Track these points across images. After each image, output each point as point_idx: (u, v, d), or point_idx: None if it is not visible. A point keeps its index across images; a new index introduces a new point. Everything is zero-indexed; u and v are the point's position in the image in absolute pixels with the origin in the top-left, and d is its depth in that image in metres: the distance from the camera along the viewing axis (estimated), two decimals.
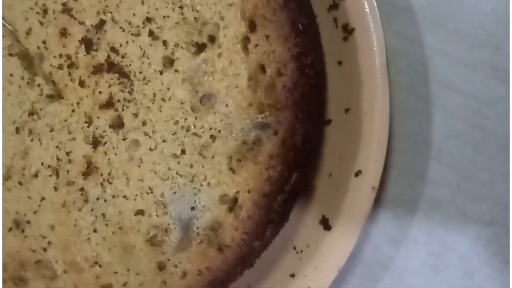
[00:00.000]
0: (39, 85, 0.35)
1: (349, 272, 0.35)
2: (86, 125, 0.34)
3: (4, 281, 0.35)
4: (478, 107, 0.33)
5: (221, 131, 0.31)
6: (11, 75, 0.36)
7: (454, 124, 0.33)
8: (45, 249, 0.34)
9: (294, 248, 0.35)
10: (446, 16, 0.34)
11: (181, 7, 0.33)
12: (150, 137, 0.33)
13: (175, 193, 0.32)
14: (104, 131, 0.34)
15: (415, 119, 0.34)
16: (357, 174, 0.32)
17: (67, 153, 0.34)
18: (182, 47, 0.33)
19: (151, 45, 0.33)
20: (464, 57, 0.33)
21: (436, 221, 0.33)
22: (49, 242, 0.34)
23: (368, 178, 0.32)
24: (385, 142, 0.31)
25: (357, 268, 0.34)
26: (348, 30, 0.33)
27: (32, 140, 0.35)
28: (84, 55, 0.34)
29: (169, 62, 0.33)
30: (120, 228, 0.33)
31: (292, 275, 0.34)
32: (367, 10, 0.32)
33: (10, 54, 0.36)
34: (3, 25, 0.37)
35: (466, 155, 0.33)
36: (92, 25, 0.34)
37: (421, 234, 0.33)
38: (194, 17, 0.33)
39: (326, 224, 0.33)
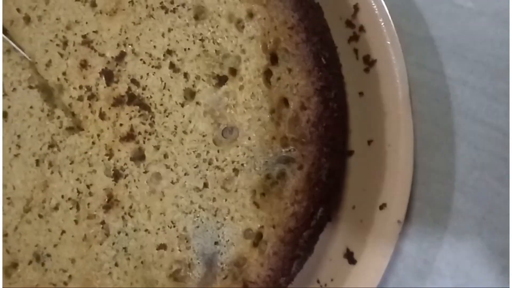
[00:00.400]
0: (58, 117, 0.36)
1: None
2: (107, 157, 0.34)
3: None
4: (501, 138, 0.33)
5: (244, 165, 0.31)
6: (31, 107, 0.36)
7: (478, 155, 0.33)
8: (65, 283, 0.34)
9: (318, 281, 0.34)
10: (466, 47, 0.34)
11: (202, 40, 0.33)
12: (171, 170, 0.33)
13: (198, 227, 0.32)
14: (125, 164, 0.34)
15: (439, 150, 0.34)
16: (382, 207, 0.32)
17: (88, 186, 0.34)
18: (203, 80, 0.33)
19: (172, 77, 0.33)
20: (486, 88, 0.33)
21: (461, 254, 0.33)
22: (69, 276, 0.34)
23: (394, 212, 0.32)
24: (410, 175, 0.31)
25: None
26: (369, 62, 0.33)
27: (52, 172, 0.35)
28: (105, 87, 0.35)
29: (190, 94, 0.33)
30: (142, 263, 0.33)
31: None
32: (388, 42, 0.32)
33: (30, 87, 0.36)
34: (23, 57, 0.37)
35: (491, 186, 0.33)
36: (112, 57, 0.35)
37: (446, 267, 0.33)
38: (215, 50, 0.33)
39: (351, 258, 0.33)
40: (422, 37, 0.35)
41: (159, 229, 0.33)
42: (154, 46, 0.34)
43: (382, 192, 0.32)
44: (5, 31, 0.38)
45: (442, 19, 0.35)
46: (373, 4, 0.33)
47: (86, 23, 0.35)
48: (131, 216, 0.33)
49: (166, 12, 0.34)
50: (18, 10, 0.37)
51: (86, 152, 0.35)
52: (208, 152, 0.32)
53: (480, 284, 0.32)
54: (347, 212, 0.34)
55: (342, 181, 0.34)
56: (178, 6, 0.33)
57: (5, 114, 0.37)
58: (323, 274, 0.34)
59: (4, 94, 0.37)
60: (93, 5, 0.35)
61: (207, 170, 0.32)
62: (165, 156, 0.33)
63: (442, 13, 0.35)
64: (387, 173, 0.32)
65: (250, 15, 0.32)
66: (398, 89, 0.32)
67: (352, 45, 0.34)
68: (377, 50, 0.33)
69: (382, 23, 0.33)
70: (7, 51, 0.37)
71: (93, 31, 0.35)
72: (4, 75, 0.37)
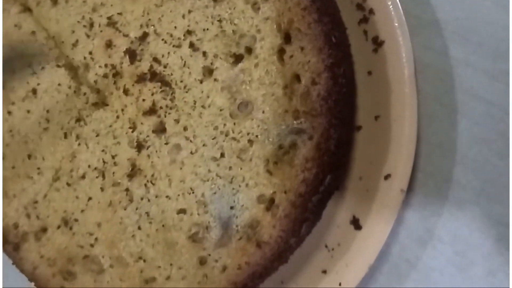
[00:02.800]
0: (85, 93, 0.38)
1: (377, 271, 0.36)
2: (130, 130, 0.36)
3: (53, 276, 0.38)
4: (501, 115, 0.35)
5: (258, 136, 0.34)
6: (59, 84, 0.39)
7: (478, 131, 0.35)
8: (92, 245, 0.37)
9: (326, 246, 0.36)
10: (470, 30, 0.35)
11: (220, 21, 0.35)
12: (191, 141, 0.35)
13: (215, 193, 0.34)
14: (148, 136, 0.36)
15: (441, 126, 0.36)
16: (387, 177, 0.34)
17: (113, 156, 0.37)
18: (221, 58, 0.35)
19: (191, 56, 0.36)
20: (488, 68, 0.35)
21: (461, 222, 0.35)
22: (96, 239, 0.37)
23: (397, 181, 0.34)
24: (414, 148, 0.33)
25: (385, 267, 0.36)
26: (378, 43, 0.35)
27: (79, 144, 0.38)
28: (128, 65, 0.37)
29: (208, 72, 0.35)
30: (163, 226, 0.35)
31: (324, 272, 0.36)
32: (396, 24, 0.34)
33: (58, 66, 0.39)
34: (50, 38, 0.40)
35: (489, 160, 0.35)
36: (136, 37, 0.37)
37: (446, 234, 0.35)
38: (232, 30, 0.35)
39: (356, 224, 0.35)
40: (428, 20, 0.36)
41: (179, 195, 0.35)
42: (175, 27, 0.36)
43: (387, 163, 0.34)
44: (29, 11, 0.40)
45: (447, 3, 0.37)
46: None
47: (111, 5, 0.37)
48: (153, 184, 0.36)
49: None
50: None
51: (111, 126, 0.37)
52: (225, 124, 0.34)
53: (478, 249, 0.34)
54: (354, 183, 0.36)
55: (350, 153, 0.36)
56: None
57: (34, 91, 0.39)
58: (330, 239, 0.37)
59: (34, 73, 0.40)
60: None
61: (223, 141, 0.34)
62: (185, 128, 0.35)
63: None
64: (392, 146, 0.34)
65: None
66: (405, 68, 0.34)
67: (362, 27, 0.36)
68: (386, 32, 0.35)
69: (391, 6, 0.35)
70: (33, 32, 0.39)
71: (118, 13, 0.37)
72: (33, 55, 0.40)
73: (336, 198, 0.36)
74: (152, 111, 0.36)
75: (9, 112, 0.39)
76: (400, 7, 0.35)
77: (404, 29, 0.34)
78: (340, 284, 0.35)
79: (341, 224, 0.36)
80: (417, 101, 0.34)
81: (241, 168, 0.34)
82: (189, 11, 0.36)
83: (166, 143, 0.36)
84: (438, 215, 0.35)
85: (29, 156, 0.39)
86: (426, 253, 0.35)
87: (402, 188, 0.34)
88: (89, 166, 0.37)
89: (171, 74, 0.36)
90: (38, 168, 0.39)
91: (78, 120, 0.38)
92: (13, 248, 0.39)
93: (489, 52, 0.35)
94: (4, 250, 0.40)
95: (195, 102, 0.35)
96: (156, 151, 0.36)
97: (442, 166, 0.35)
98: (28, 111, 0.39)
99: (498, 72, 0.35)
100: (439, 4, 0.37)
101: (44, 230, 0.38)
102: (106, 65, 0.37)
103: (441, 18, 0.36)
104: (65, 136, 0.38)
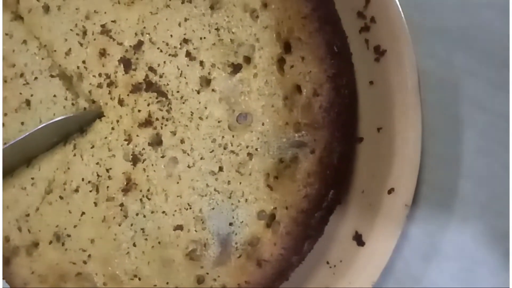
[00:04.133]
0: (85, 108, 0.37)
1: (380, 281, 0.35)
2: (126, 142, 0.35)
3: None
4: (506, 125, 0.34)
5: (258, 149, 0.33)
6: (54, 95, 0.37)
7: (483, 142, 0.34)
8: (85, 262, 0.36)
9: (327, 262, 0.35)
10: (474, 38, 0.35)
11: (217, 29, 0.34)
12: (188, 154, 0.34)
13: (213, 209, 0.33)
14: (143, 149, 0.35)
15: (446, 137, 0.35)
16: (390, 191, 0.33)
17: (107, 170, 0.36)
18: (218, 68, 0.34)
19: (188, 65, 0.35)
20: (492, 77, 0.34)
21: (466, 237, 0.34)
22: (89, 255, 0.36)
23: (401, 196, 0.33)
24: (418, 161, 0.32)
25: (390, 283, 0.35)
26: (379, 52, 0.34)
27: (74, 155, 0.37)
28: (123, 75, 0.36)
29: (206, 82, 0.34)
30: (159, 243, 0.34)
31: None
32: (399, 33, 0.33)
33: (52, 76, 0.38)
34: (42, 47, 0.38)
35: (495, 173, 0.34)
36: (130, 46, 0.36)
37: (452, 249, 0.34)
38: (230, 39, 0.34)
39: (359, 240, 0.34)
40: (432, 28, 0.35)
41: (175, 211, 0.34)
42: (171, 35, 0.35)
43: (391, 177, 0.33)
44: (21, 19, 0.39)
45: (451, 11, 0.36)
46: None
47: (105, 13, 0.36)
48: (149, 199, 0.35)
49: (182, 2, 0.35)
50: None
51: (106, 137, 0.36)
52: (223, 137, 0.33)
53: (484, 265, 0.33)
54: (356, 196, 0.35)
55: (352, 166, 0.35)
56: None
57: (28, 102, 0.38)
58: (332, 256, 0.36)
59: (26, 83, 0.38)
60: None
61: (222, 154, 0.33)
62: (182, 141, 0.34)
63: (452, 6, 0.36)
64: (395, 160, 0.33)
65: (265, 5, 0.33)
66: (408, 78, 0.33)
67: (363, 36, 0.35)
68: (388, 41, 0.34)
69: (393, 15, 0.34)
70: (24, 41, 0.38)
71: (112, 21, 0.36)
72: (25, 65, 0.39)
73: (338, 212, 0.35)
74: (148, 122, 0.35)
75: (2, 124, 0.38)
76: (402, 15, 0.34)
77: (407, 37, 0.34)
78: None
79: (343, 239, 0.35)
80: (421, 112, 0.33)
81: (240, 183, 0.33)
82: (186, 19, 0.35)
83: (163, 156, 0.35)
84: (443, 230, 0.34)
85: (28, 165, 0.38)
86: (431, 269, 0.34)
87: (406, 203, 0.33)
88: (82, 179, 0.36)
89: (167, 84, 0.35)
90: (32, 178, 0.38)
91: (81, 131, 0.37)
92: (3, 262, 0.38)
93: (493, 61, 0.35)
94: None
95: (192, 114, 0.34)
96: (152, 165, 0.35)
97: (447, 179, 0.35)
98: (22, 123, 0.38)
99: (503, 82, 0.34)
100: (443, 12, 0.36)
101: (35, 244, 0.37)
102: (100, 75, 0.36)
103: (444, 27, 0.35)
104: (64, 143, 0.37)
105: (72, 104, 0.37)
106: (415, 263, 0.35)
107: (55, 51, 0.38)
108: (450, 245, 0.34)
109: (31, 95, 0.38)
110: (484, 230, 0.34)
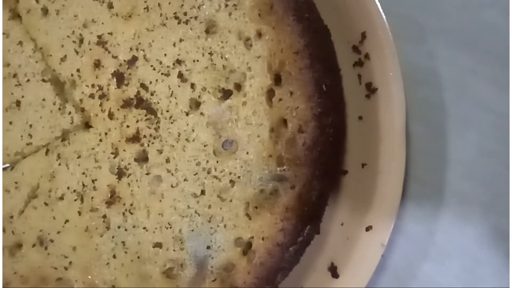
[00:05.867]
0: (69, 113, 0.37)
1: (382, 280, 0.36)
2: (113, 155, 0.36)
3: None
4: (508, 125, 0.33)
5: (241, 177, 0.33)
6: (43, 99, 0.38)
7: (486, 142, 0.34)
8: (66, 268, 0.36)
9: None
10: (477, 37, 0.34)
11: (210, 53, 0.34)
12: (172, 174, 0.35)
13: (192, 230, 0.34)
14: (129, 164, 0.35)
15: (448, 137, 0.35)
16: (368, 229, 0.34)
17: (93, 181, 0.36)
18: (209, 92, 0.34)
19: (179, 86, 0.35)
20: (495, 77, 0.34)
21: (469, 237, 0.34)
22: (70, 262, 0.36)
23: (378, 235, 0.33)
24: (397, 204, 0.33)
25: (390, 282, 0.35)
26: (371, 89, 0.35)
27: (60, 164, 0.37)
28: (115, 88, 0.36)
29: (195, 104, 0.35)
30: (138, 257, 0.35)
31: None
32: (391, 74, 0.33)
33: (44, 80, 0.38)
34: (38, 50, 0.38)
35: (498, 173, 0.33)
36: (124, 60, 0.36)
37: (454, 249, 0.34)
38: (223, 64, 0.34)
39: (334, 272, 0.35)
40: (434, 28, 0.35)
41: (156, 228, 0.35)
42: (165, 54, 0.35)
43: (369, 214, 0.34)
44: (19, 18, 0.39)
45: (454, 10, 0.35)
46: (380, 34, 0.34)
47: (102, 23, 0.36)
48: (131, 213, 0.35)
49: (179, 23, 0.35)
50: (36, 0, 0.38)
51: (93, 148, 0.36)
52: (207, 161, 0.34)
53: (486, 265, 0.33)
54: (335, 228, 0.36)
55: (335, 197, 0.36)
56: (191, 18, 0.35)
57: (18, 103, 0.38)
58: (306, 284, 0.36)
59: (18, 84, 0.39)
60: (110, 6, 0.36)
61: (205, 178, 0.34)
62: (167, 160, 0.35)
63: (454, 5, 0.35)
64: (375, 199, 0.34)
65: (259, 35, 0.33)
66: (395, 118, 0.34)
67: (356, 70, 0.35)
68: (380, 79, 0.34)
69: (387, 54, 0.34)
70: (20, 42, 0.38)
71: (108, 33, 0.36)
72: (19, 66, 0.39)
73: (317, 241, 0.35)
74: (135, 138, 0.36)
75: None
76: (396, 55, 0.34)
77: (398, 78, 0.34)
78: None
79: (319, 269, 0.36)
80: (405, 151, 0.34)
81: (220, 208, 0.33)
82: (180, 40, 0.35)
83: (147, 173, 0.35)
84: (445, 229, 0.34)
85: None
86: (433, 269, 0.34)
87: (382, 242, 0.33)
88: (68, 188, 0.37)
89: (158, 103, 0.35)
90: (16, 183, 0.38)
91: (62, 139, 0.37)
92: None
93: (496, 61, 0.34)
94: None
95: (179, 135, 0.35)
96: (137, 180, 0.35)
97: (449, 179, 0.34)
98: (11, 123, 0.38)
99: (505, 81, 0.34)
100: (445, 11, 0.35)
101: (19, 246, 0.38)
102: (93, 85, 0.37)
103: (446, 26, 0.35)
104: (47, 153, 0.37)
105: (59, 109, 0.37)
106: (417, 262, 0.35)
107: (50, 55, 0.38)
108: (452, 245, 0.34)
109: (22, 97, 0.38)
110: (486, 230, 0.33)
